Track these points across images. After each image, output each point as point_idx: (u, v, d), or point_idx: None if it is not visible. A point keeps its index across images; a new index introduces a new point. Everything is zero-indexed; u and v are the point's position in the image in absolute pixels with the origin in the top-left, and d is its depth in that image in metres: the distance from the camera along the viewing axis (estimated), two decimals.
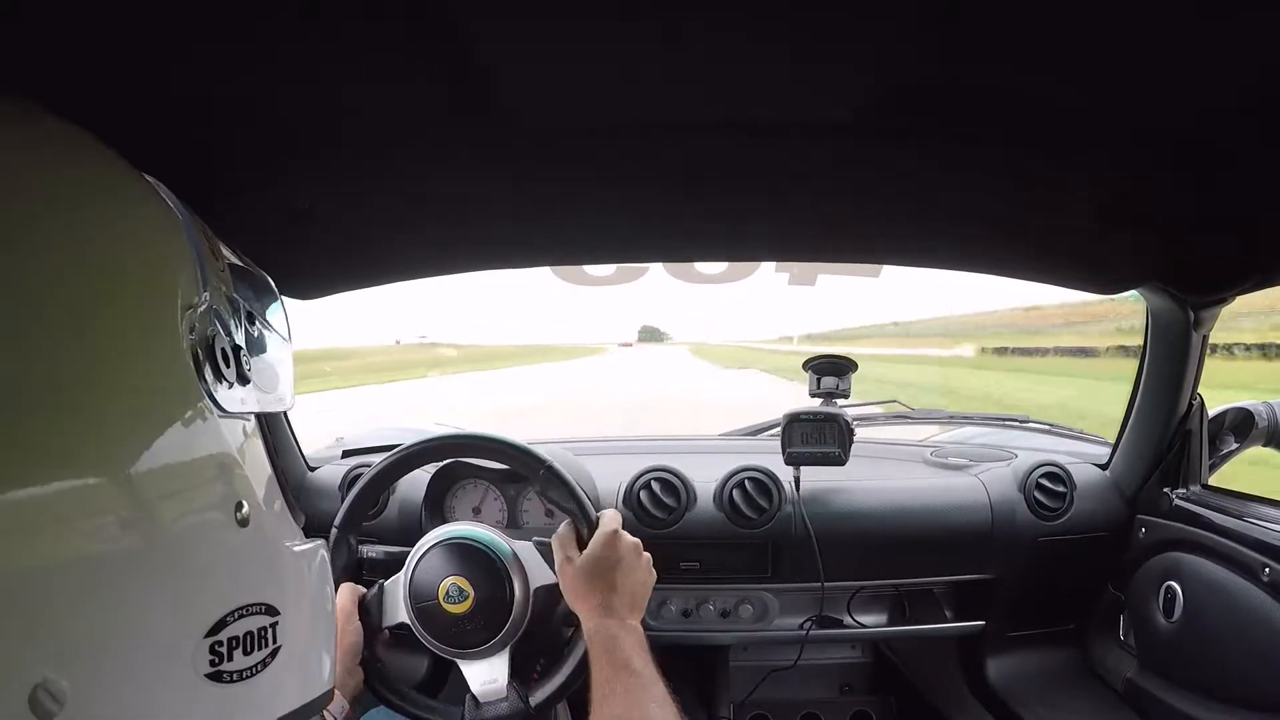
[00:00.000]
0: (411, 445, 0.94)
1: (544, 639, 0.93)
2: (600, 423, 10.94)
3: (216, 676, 0.39)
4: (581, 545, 0.84)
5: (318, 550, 0.50)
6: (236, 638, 0.40)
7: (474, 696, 0.86)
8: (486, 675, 0.87)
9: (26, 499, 0.31)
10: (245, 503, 0.41)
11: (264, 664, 0.42)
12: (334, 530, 0.90)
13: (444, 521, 1.14)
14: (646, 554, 0.84)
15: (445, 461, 1.16)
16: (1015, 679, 1.24)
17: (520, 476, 1.17)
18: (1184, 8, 0.52)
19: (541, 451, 0.91)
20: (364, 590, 0.90)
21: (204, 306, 0.41)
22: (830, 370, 1.18)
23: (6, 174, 0.34)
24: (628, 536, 0.84)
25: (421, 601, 0.87)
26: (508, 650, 0.87)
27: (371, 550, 0.98)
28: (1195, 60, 0.58)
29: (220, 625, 0.39)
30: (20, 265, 0.33)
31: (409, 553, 0.90)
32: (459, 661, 0.87)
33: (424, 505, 1.16)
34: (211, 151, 0.70)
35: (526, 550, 0.89)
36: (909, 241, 1.08)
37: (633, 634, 0.76)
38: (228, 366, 0.42)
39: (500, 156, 0.78)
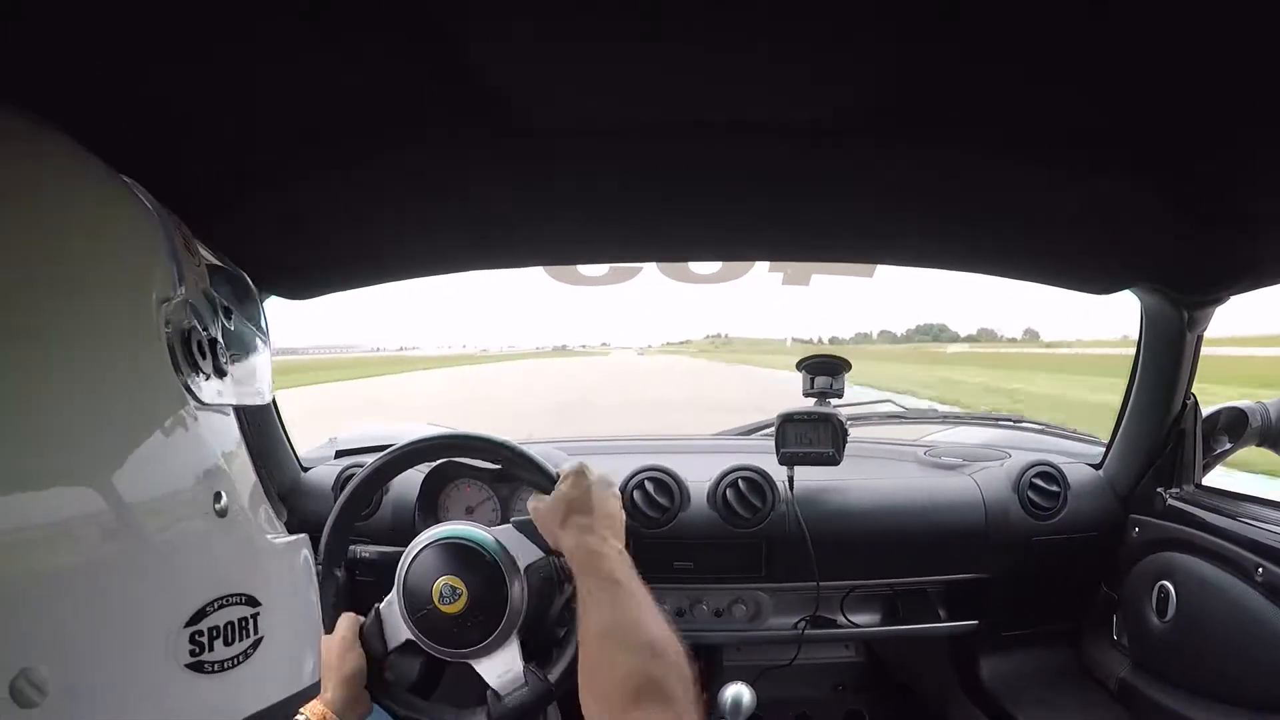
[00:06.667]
0: (399, 448, 0.94)
1: (549, 617, 0.93)
2: None
3: (197, 667, 0.39)
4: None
5: (300, 546, 0.50)
6: (217, 628, 0.40)
7: (494, 691, 0.86)
8: (501, 668, 0.86)
9: (6, 515, 0.31)
10: (224, 494, 0.42)
11: (245, 655, 0.42)
12: (318, 566, 0.88)
13: (437, 521, 1.14)
14: (615, 488, 0.86)
15: (438, 461, 1.16)
16: (1008, 678, 1.23)
17: (511, 475, 1.17)
18: (1173, 7, 0.51)
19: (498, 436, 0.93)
20: (363, 619, 0.90)
21: (179, 299, 0.42)
22: (824, 370, 1.17)
23: None
24: (593, 471, 0.86)
25: (418, 611, 0.86)
26: (516, 637, 0.87)
27: (365, 550, 0.98)
28: (1184, 58, 0.58)
29: (200, 615, 0.39)
30: None
31: (402, 553, 0.90)
32: (471, 662, 0.87)
33: (417, 505, 1.16)
34: (203, 153, 0.70)
35: (507, 534, 0.90)
36: (902, 242, 1.08)
37: (614, 551, 0.76)
38: (204, 359, 0.42)
39: (497, 157, 0.78)
